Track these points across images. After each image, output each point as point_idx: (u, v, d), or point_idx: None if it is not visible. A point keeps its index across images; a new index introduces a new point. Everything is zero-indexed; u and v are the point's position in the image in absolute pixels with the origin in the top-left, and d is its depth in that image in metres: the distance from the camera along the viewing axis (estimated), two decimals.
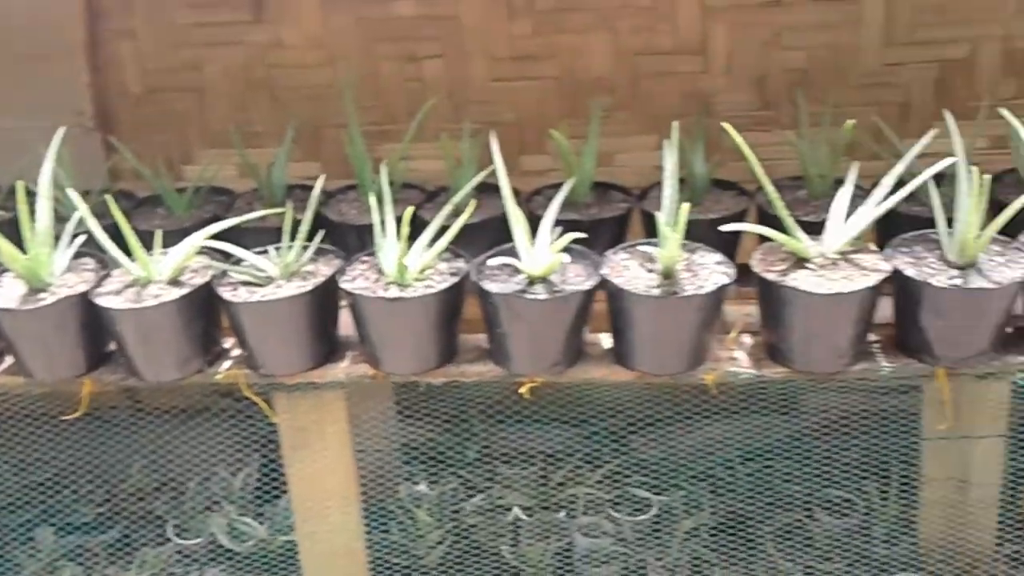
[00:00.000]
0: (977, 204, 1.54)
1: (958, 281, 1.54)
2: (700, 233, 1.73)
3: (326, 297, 1.70)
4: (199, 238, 1.73)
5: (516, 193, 2.01)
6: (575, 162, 1.93)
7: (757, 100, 2.17)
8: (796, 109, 2.01)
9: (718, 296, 1.60)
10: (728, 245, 1.79)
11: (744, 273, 1.66)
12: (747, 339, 1.75)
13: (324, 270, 1.72)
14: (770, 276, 1.59)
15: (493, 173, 1.71)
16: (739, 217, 1.89)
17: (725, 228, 1.62)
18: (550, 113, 2.21)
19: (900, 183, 1.63)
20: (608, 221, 1.92)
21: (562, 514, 2.15)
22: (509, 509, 2.16)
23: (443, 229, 1.68)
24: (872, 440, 2.09)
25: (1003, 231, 1.66)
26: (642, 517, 2.10)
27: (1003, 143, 1.89)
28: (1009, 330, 1.68)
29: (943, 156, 1.61)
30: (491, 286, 1.61)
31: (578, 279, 1.65)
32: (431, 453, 2.20)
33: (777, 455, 2.18)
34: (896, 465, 2.02)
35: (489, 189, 1.84)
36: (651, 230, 1.85)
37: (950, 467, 1.79)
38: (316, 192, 1.77)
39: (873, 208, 1.63)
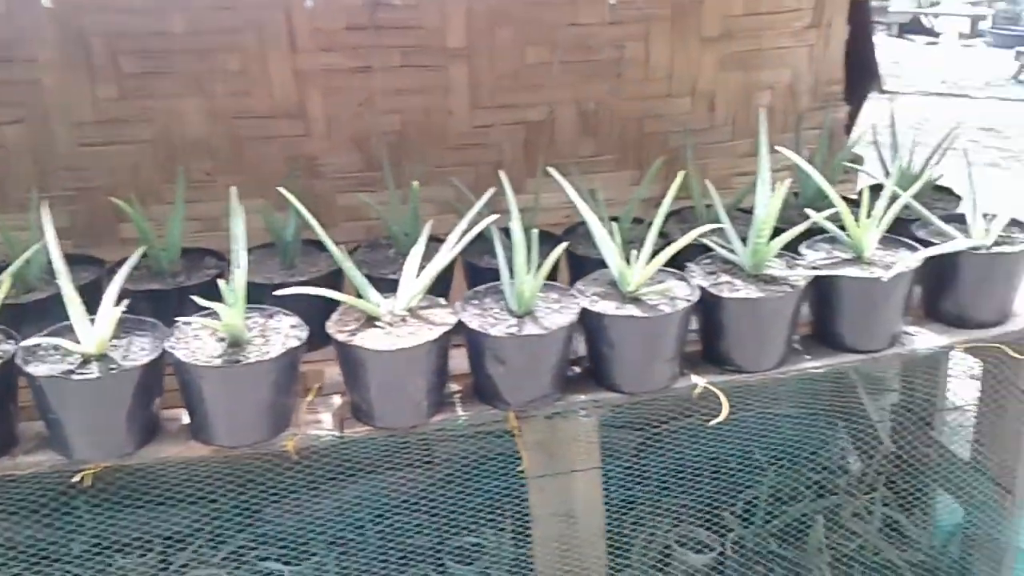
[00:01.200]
0: (524, 256, 1.64)
1: (514, 329, 1.63)
2: (290, 296, 1.71)
3: None
4: None
5: (102, 264, 1.91)
6: (151, 230, 1.85)
7: (360, 162, 2.21)
8: (385, 170, 2.07)
9: (289, 360, 1.58)
10: (325, 306, 1.79)
11: None
12: (337, 400, 1.75)
13: None
14: (341, 337, 1.60)
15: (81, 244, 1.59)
16: (332, 277, 1.89)
17: (278, 293, 1.61)
18: (147, 178, 2.12)
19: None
20: (196, 288, 1.85)
21: None
22: None
23: None
24: (497, 483, 2.15)
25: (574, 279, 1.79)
26: None
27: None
28: (578, 370, 1.80)
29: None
30: (36, 368, 1.49)
31: (142, 353, 1.56)
32: (29, 551, 1.98)
33: (410, 509, 2.18)
34: (514, 506, 2.07)
35: (73, 261, 1.70)
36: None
37: (554, 503, 1.86)
38: None
39: (439, 262, 1.69)
